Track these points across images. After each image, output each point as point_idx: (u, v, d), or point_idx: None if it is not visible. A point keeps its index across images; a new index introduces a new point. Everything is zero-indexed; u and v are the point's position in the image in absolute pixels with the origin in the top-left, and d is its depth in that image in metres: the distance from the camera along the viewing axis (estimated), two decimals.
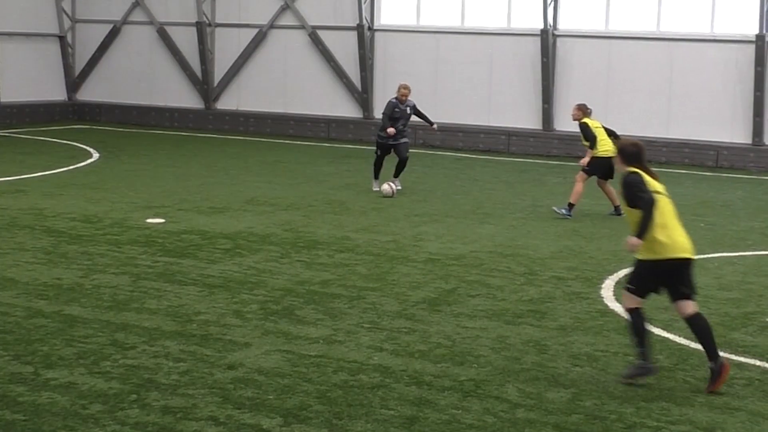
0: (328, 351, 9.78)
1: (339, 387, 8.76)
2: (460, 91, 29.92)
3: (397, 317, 11.05)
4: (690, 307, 9.12)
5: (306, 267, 13.36)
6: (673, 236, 9.05)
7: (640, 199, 8.98)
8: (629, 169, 9.19)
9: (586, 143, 18.03)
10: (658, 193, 9.09)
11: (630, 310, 9.23)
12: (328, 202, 18.72)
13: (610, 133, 18.24)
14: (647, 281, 9.19)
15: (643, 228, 8.92)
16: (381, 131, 20.08)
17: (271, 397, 8.47)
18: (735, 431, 8.12)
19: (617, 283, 12.88)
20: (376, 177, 20.36)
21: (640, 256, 9.14)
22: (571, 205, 17.77)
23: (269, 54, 32.67)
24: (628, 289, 9.27)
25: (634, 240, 8.96)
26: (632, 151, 9.27)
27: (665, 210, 9.09)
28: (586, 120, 18.06)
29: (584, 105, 18.40)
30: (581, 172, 17.85)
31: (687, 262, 9.12)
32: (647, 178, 9.13)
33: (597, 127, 18.08)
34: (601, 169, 17.87)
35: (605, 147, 17.69)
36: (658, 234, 8.97)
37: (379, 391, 8.68)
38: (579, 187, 17.75)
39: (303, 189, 20.39)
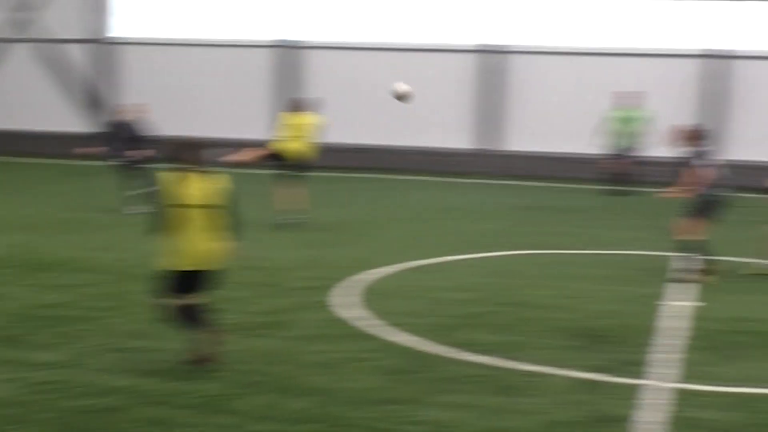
0: (66, 376, 9.54)
1: (80, 412, 8.59)
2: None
3: (132, 338, 10.85)
4: (191, 299, 9.62)
5: (41, 290, 12.95)
6: (185, 248, 9.42)
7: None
8: (174, 167, 9.42)
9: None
10: (183, 206, 9.33)
11: (173, 311, 9.67)
12: (62, 222, 18.25)
13: (302, 134, 18.14)
14: (171, 285, 9.59)
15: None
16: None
17: (10, 428, 8.21)
18: (470, 428, 8.46)
19: (353, 290, 13.16)
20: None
21: (162, 264, 9.58)
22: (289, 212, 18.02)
23: None
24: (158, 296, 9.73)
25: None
26: (175, 147, 9.49)
27: (188, 220, 9.37)
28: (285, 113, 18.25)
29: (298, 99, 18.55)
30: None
31: (196, 273, 9.57)
32: (173, 186, 9.32)
33: (296, 123, 18.07)
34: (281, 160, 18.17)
35: (290, 144, 17.95)
36: (176, 245, 9.42)
37: (119, 414, 8.56)
38: (278, 194, 17.72)
39: (36, 208, 19.78)
